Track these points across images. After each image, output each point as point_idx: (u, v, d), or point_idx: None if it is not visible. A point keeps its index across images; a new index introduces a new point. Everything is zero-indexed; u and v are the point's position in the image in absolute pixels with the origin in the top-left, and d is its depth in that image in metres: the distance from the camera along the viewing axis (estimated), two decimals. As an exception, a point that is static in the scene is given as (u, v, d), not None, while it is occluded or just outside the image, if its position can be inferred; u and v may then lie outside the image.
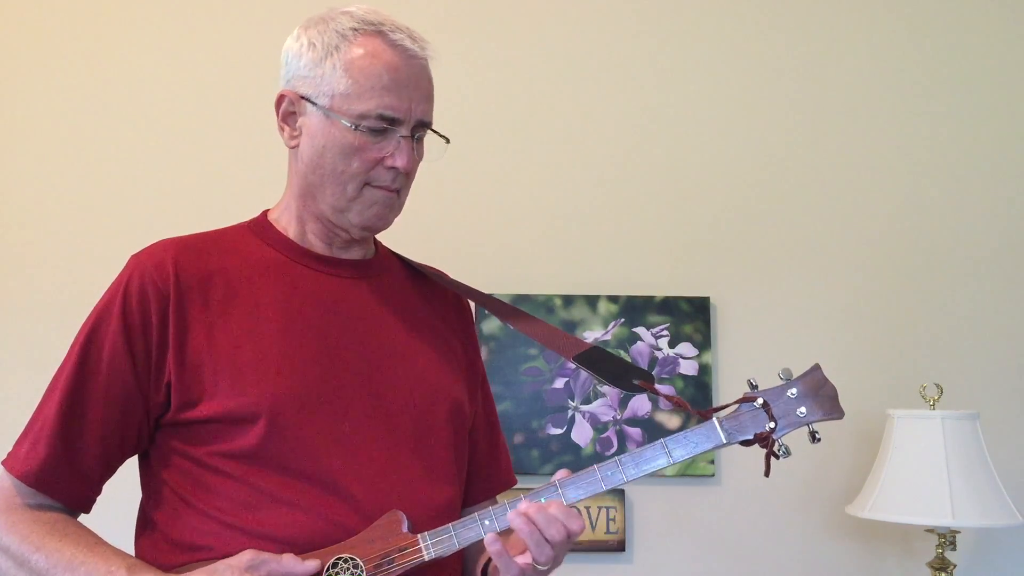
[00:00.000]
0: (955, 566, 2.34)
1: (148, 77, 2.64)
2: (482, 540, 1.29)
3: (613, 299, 2.61)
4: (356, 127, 1.32)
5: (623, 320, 2.60)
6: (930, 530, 2.35)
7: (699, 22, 2.73)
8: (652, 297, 2.62)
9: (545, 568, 1.25)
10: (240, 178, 2.60)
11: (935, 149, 2.72)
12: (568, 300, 2.61)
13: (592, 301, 2.61)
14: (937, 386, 2.38)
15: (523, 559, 1.24)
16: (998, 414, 2.58)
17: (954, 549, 2.34)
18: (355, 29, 1.34)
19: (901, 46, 2.74)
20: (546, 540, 1.22)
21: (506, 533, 1.27)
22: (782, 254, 2.67)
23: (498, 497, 1.55)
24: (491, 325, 2.57)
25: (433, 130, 1.40)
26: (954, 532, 2.33)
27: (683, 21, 2.73)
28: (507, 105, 2.68)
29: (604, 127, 2.69)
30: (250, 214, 1.47)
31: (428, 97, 1.38)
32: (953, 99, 2.73)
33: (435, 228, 2.51)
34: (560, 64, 2.70)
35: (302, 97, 1.35)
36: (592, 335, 2.59)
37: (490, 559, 1.34)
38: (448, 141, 1.41)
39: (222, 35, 2.67)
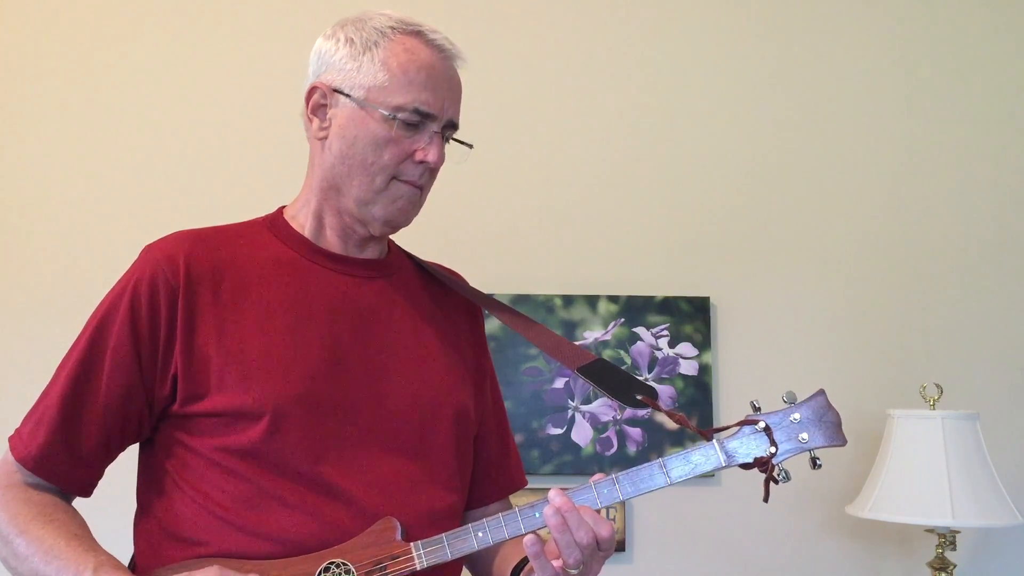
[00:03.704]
0: (955, 566, 2.35)
1: (147, 77, 2.63)
2: (512, 541, 1.31)
3: (613, 299, 2.61)
4: (393, 117, 1.33)
5: (623, 320, 2.60)
6: (930, 530, 2.35)
7: (699, 23, 2.72)
8: (652, 297, 2.61)
9: (575, 573, 1.25)
10: (243, 180, 2.60)
11: (936, 149, 2.71)
12: (568, 300, 2.60)
13: (592, 301, 2.61)
14: (937, 386, 2.38)
15: (557, 562, 1.25)
16: (998, 414, 2.58)
17: (954, 549, 2.34)
18: (393, 28, 1.36)
19: (905, 45, 2.73)
20: (575, 543, 1.23)
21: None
22: (782, 254, 2.67)
23: (495, 506, 1.55)
24: (491, 325, 2.56)
25: (456, 139, 1.42)
26: (954, 532, 2.33)
27: (683, 22, 2.71)
28: (507, 105, 2.66)
29: (604, 127, 2.69)
30: (254, 214, 1.46)
31: (459, 99, 1.41)
32: (953, 99, 2.72)
33: (435, 228, 2.48)
34: (560, 64, 2.69)
35: (335, 90, 1.36)
36: (592, 335, 2.59)
37: (522, 561, 1.35)
38: (471, 147, 1.42)
39: (223, 36, 2.66)
